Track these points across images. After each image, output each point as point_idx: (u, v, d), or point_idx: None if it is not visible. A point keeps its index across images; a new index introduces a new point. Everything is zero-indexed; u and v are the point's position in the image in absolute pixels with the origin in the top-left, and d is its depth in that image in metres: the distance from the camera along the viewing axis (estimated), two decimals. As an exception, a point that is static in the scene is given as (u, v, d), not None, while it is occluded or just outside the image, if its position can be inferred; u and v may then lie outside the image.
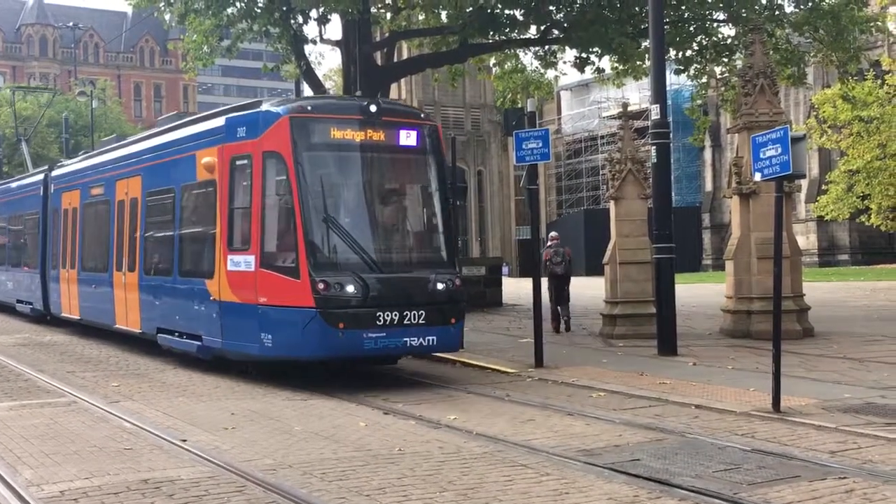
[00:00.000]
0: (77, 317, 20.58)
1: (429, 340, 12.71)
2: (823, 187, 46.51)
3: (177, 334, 15.12)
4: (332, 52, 29.24)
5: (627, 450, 8.78)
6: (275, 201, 12.95)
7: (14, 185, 29.43)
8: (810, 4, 23.87)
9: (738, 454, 8.59)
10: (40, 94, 66.52)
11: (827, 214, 43.80)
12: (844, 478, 7.67)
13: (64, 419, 10.58)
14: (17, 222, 27.51)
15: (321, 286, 12.09)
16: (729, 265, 17.90)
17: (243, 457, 8.59)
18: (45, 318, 23.52)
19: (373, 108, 13.08)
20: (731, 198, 18.26)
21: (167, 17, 27.43)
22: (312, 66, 27.44)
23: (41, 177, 24.82)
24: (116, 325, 17.90)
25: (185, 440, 9.28)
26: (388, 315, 12.29)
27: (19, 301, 25.99)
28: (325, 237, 12.59)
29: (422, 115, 14.49)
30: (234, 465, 8.23)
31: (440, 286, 12.91)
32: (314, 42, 26.47)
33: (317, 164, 12.86)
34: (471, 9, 22.24)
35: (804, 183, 44.16)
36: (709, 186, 61.44)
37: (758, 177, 11.33)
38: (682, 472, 7.88)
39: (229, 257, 13.47)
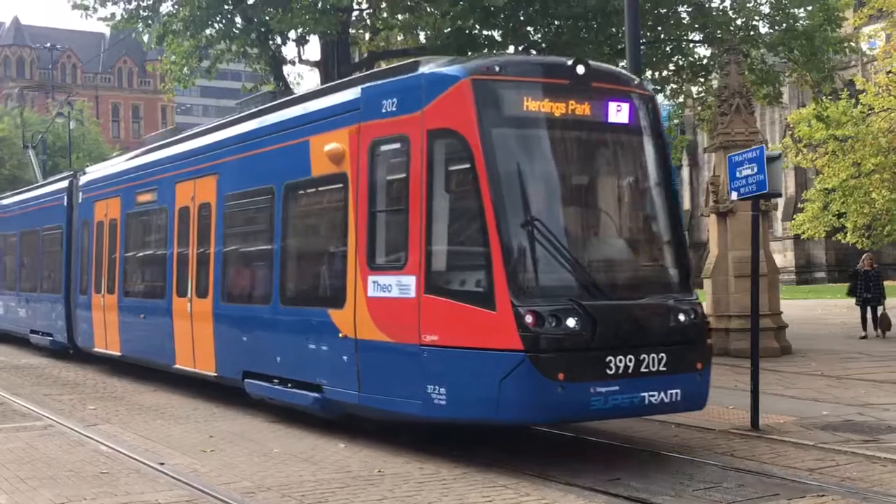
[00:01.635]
0: (117, 353, 16.71)
1: (672, 395, 9.08)
2: (800, 206, 46.85)
3: (277, 381, 11.51)
4: (311, 73, 29.61)
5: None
6: (449, 200, 9.46)
7: (26, 196, 25.07)
8: (784, 26, 24.12)
9: (718, 473, 8.62)
10: (17, 114, 66.23)
11: (804, 233, 44.11)
12: (823, 495, 7.70)
13: (40, 443, 10.47)
14: (32, 239, 23.02)
15: (530, 319, 8.52)
16: (707, 283, 18.01)
17: (222, 479, 8.53)
18: (68, 352, 19.62)
19: (580, 70, 9.48)
20: (708, 216, 18.40)
21: (146, 38, 27.41)
22: (291, 86, 27.43)
23: (64, 185, 20.62)
24: (177, 365, 14.19)
25: (162, 463, 9.21)
26: (621, 360, 8.77)
27: (34, 332, 21.79)
28: (530, 250, 8.99)
29: (635, 81, 10.62)
30: (212, 488, 8.17)
31: (682, 317, 9.35)
32: (293, 63, 26.48)
33: (515, 148, 9.46)
34: (449, 29, 22.31)
35: (780, 202, 44.55)
36: (687, 205, 61.82)
37: (734, 196, 11.42)
38: (662, 492, 7.89)
39: (371, 279, 9.81)
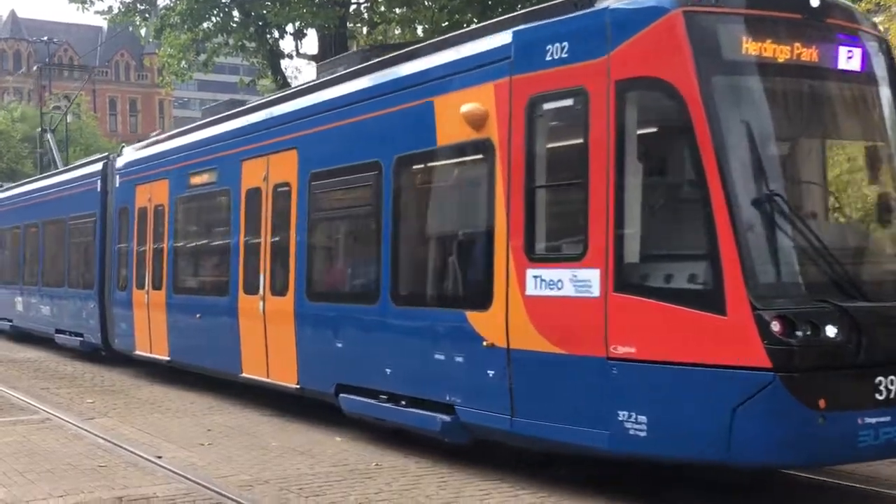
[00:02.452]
0: (164, 357, 14.65)
1: None
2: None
3: (384, 397, 9.52)
4: (309, 67, 29.49)
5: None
6: (649, 169, 7.42)
7: (48, 182, 22.67)
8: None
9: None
10: (13, 108, 66.20)
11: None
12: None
13: (37, 437, 10.47)
14: (56, 229, 20.65)
15: (777, 326, 6.56)
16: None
17: (219, 473, 8.55)
18: (101, 353, 17.77)
19: (815, 2, 7.47)
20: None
21: (143, 31, 27.43)
22: (289, 80, 27.43)
23: (97, 168, 18.33)
24: (245, 374, 12.18)
25: (160, 457, 9.22)
26: (893, 381, 6.86)
27: (60, 331, 19.56)
28: (769, 235, 6.99)
29: (867, 20, 8.53)
30: (210, 481, 8.18)
31: None
32: (290, 56, 26.53)
33: (741, 102, 7.42)
34: (447, 23, 22.30)
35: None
36: None
37: None
38: (678, 499, 7.88)
39: (532, 273, 7.81)
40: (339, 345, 10.36)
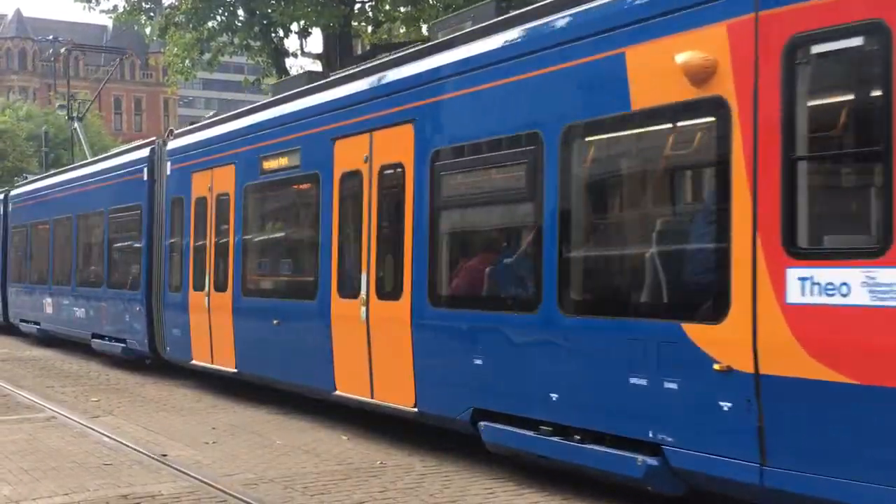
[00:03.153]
0: (229, 369, 12.62)
1: None
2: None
3: (547, 428, 7.56)
4: (314, 66, 29.53)
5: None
6: None
7: (81, 172, 20.06)
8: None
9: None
10: (19, 107, 66.32)
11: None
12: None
13: (43, 435, 10.48)
14: (93, 223, 18.47)
15: None
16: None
17: (224, 471, 8.55)
18: (145, 361, 15.99)
19: None
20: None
21: (148, 30, 27.48)
22: (294, 79, 27.44)
23: (143, 153, 15.97)
24: (339, 392, 10.21)
25: (165, 455, 9.22)
26: None
27: (97, 336, 17.59)
28: None
29: None
30: (214, 479, 8.19)
31: None
32: (295, 55, 26.70)
33: None
34: (451, 22, 22.30)
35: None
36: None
37: None
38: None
39: (794, 273, 5.93)
40: (478, 361, 8.23)
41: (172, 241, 14.56)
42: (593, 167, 7.73)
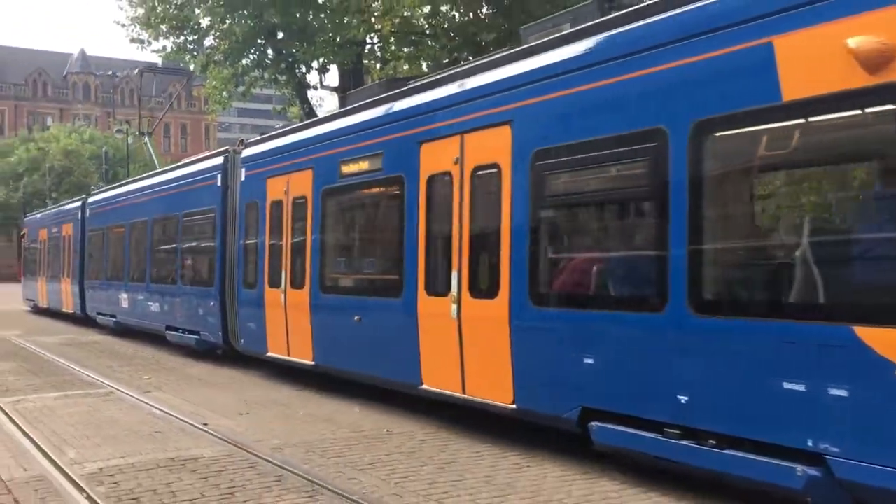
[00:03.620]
0: (307, 361, 11.30)
1: None
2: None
3: (675, 432, 6.28)
4: (331, 97, 29.60)
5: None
6: None
7: (157, 179, 18.90)
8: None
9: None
10: (83, 131, 66.23)
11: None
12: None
13: (103, 407, 10.45)
14: (168, 226, 17.32)
15: None
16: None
17: (255, 437, 8.53)
18: (216, 351, 14.86)
19: None
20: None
21: (192, 67, 27.46)
22: (314, 108, 27.46)
23: (217, 161, 14.83)
24: (426, 386, 8.98)
25: (206, 424, 9.19)
26: None
27: (172, 328, 16.48)
28: None
29: None
30: (247, 444, 8.16)
31: None
32: (315, 88, 26.67)
33: None
34: (447, 60, 22.30)
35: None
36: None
37: None
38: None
39: None
40: (590, 361, 6.98)
41: (247, 241, 13.35)
42: (728, 163, 6.31)
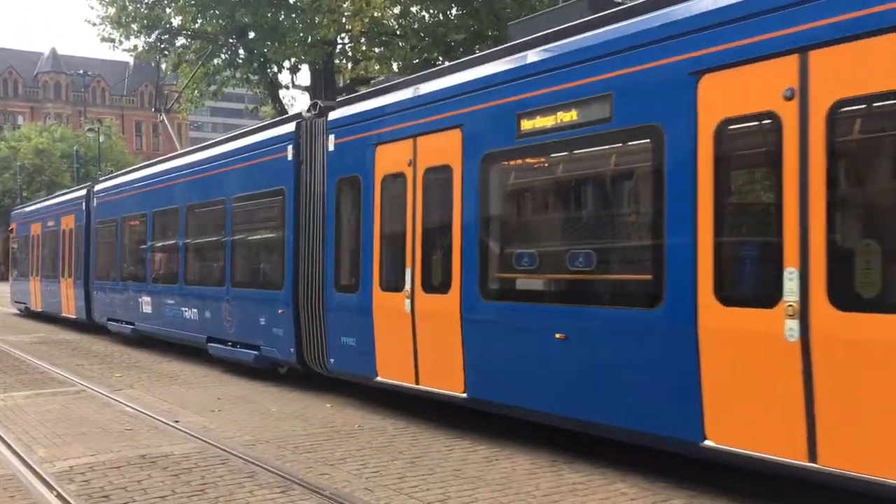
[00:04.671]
0: (456, 392, 8.04)
1: None
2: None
3: None
4: (303, 96, 29.42)
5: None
6: None
7: (195, 157, 14.72)
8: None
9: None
10: (54, 130, 65.27)
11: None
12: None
13: (73, 405, 10.29)
14: (209, 215, 13.69)
15: None
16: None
17: (227, 434, 8.44)
18: (278, 370, 11.94)
19: None
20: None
21: (163, 66, 27.19)
22: (286, 107, 27.31)
23: (287, 129, 11.31)
24: (712, 443, 5.82)
25: (177, 421, 9.09)
26: None
27: (215, 340, 13.16)
28: None
29: None
30: (219, 441, 8.08)
31: None
32: (287, 87, 26.76)
33: None
34: (417, 60, 22.28)
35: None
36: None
37: None
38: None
39: None
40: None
41: (340, 230, 10.02)
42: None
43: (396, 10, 22.77)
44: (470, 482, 6.61)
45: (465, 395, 8.01)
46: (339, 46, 24.71)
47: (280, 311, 11.15)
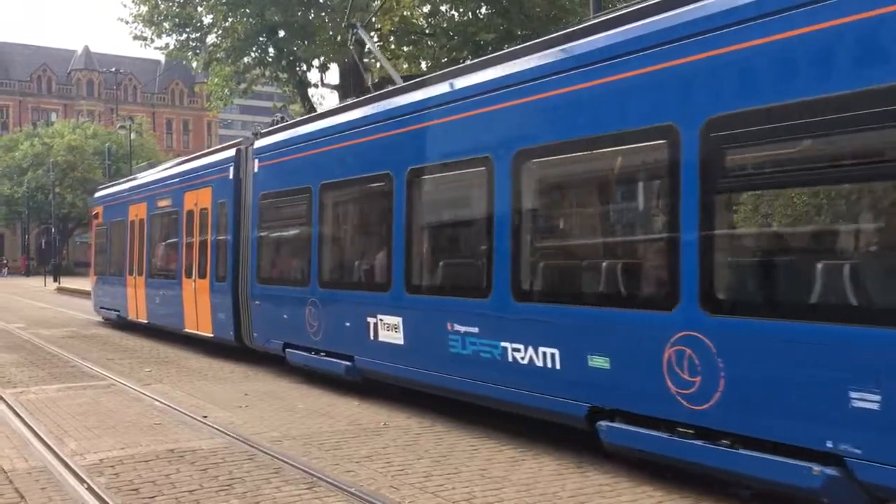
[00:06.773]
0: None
1: None
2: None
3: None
4: (332, 94, 29.54)
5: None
6: None
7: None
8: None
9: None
10: (87, 127, 66.10)
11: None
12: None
13: (104, 399, 10.43)
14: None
15: None
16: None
17: (254, 430, 8.51)
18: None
19: None
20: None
21: (194, 64, 27.46)
22: (315, 106, 27.43)
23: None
24: None
25: (205, 416, 9.18)
26: None
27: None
28: None
29: None
30: (246, 437, 8.15)
31: None
32: (316, 86, 26.63)
33: None
34: (446, 59, 22.26)
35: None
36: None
37: None
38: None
39: None
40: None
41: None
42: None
43: (426, 8, 22.77)
44: (495, 482, 6.61)
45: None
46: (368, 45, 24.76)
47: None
